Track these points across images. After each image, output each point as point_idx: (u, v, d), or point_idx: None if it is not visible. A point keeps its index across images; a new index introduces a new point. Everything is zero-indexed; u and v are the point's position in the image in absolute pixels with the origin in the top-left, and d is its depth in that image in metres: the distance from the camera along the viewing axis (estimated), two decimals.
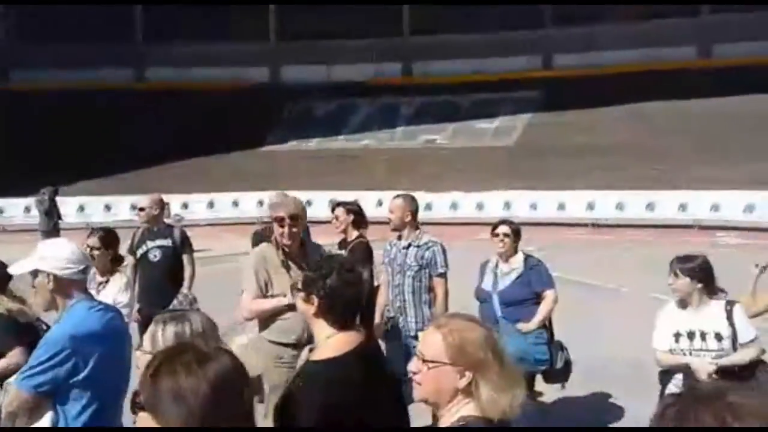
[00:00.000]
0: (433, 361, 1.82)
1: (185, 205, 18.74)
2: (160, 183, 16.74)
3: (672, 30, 24.01)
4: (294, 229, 3.75)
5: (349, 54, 26.08)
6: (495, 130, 24.01)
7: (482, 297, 4.89)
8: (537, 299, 4.78)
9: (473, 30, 25.19)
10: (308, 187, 16.66)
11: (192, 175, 20.93)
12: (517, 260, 4.85)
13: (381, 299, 4.96)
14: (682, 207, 16.77)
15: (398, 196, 5.06)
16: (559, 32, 25.59)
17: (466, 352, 1.80)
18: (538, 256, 5.08)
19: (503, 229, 4.84)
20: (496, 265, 4.87)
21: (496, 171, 20.26)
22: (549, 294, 4.78)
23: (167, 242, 5.81)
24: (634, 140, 20.52)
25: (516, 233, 4.85)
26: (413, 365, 1.87)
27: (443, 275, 4.82)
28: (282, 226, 3.74)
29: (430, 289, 4.80)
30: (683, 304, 3.75)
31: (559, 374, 4.78)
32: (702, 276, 3.70)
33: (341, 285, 2.33)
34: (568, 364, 4.76)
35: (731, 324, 3.62)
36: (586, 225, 17.19)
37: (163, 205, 6.06)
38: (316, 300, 2.34)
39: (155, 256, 5.76)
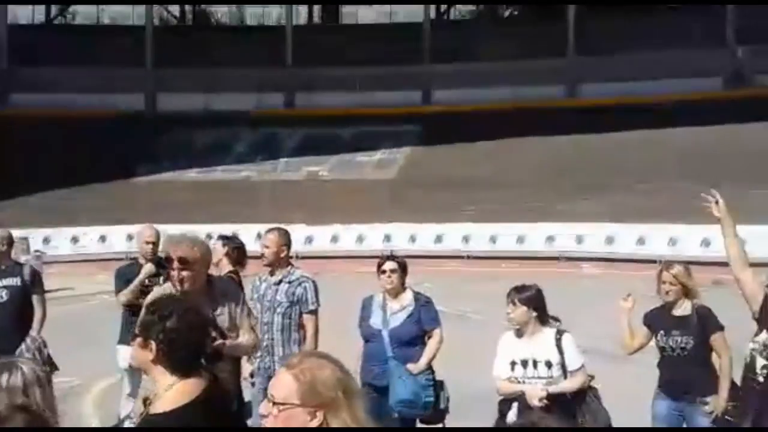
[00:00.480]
0: (283, 403, 1.77)
1: (47, 240, 17.70)
2: (20, 216, 15.78)
3: (542, 70, 25.43)
4: (184, 273, 3.40)
5: (230, 83, 25.80)
6: (377, 162, 24.42)
7: (370, 335, 4.71)
8: (425, 338, 4.71)
9: (355, 63, 25.64)
10: (185, 220, 16.18)
11: (56, 207, 19.83)
12: (407, 297, 4.73)
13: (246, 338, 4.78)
14: (550, 239, 17.67)
15: (272, 229, 4.88)
16: (438, 68, 26.50)
17: (317, 392, 1.76)
18: (426, 293, 5.01)
19: (390, 265, 4.70)
20: (384, 302, 4.70)
21: (377, 204, 20.57)
22: (437, 333, 4.71)
23: (15, 281, 5.42)
24: (506, 175, 21.46)
25: (403, 268, 4.74)
26: (263, 407, 1.81)
27: (314, 312, 4.70)
28: (172, 269, 3.44)
29: (301, 327, 4.67)
30: (519, 332, 3.95)
31: (439, 415, 4.72)
32: (536, 304, 3.92)
33: (183, 328, 2.15)
34: (447, 402, 4.72)
35: (560, 352, 3.83)
36: (462, 257, 17.76)
37: (11, 241, 5.65)
38: (154, 345, 2.15)
39: (1, 296, 5.37)
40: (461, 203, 19.77)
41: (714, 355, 4.22)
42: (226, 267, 5.26)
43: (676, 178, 18.79)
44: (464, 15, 37.88)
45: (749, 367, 3.44)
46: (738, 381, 3.72)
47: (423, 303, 4.75)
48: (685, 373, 4.25)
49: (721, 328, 4.22)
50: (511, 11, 36.37)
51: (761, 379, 3.34)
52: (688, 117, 20.99)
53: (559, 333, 3.91)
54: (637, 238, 16.83)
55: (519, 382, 3.88)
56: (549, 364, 3.85)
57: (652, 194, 18.60)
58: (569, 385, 3.84)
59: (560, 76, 25.94)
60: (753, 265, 3.72)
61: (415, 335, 4.68)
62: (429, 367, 4.68)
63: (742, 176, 17.68)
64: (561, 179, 20.56)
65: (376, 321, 4.71)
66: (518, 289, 3.97)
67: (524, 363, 3.89)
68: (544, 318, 3.94)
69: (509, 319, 3.97)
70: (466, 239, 18.22)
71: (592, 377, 3.97)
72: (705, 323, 4.22)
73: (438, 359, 5.08)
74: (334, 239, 18.69)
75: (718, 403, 4.05)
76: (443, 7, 34.12)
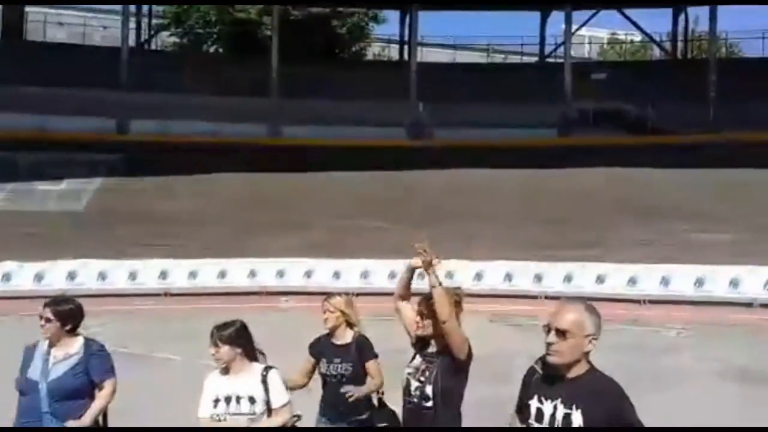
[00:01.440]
0: None
1: None
2: None
3: (245, 108, 25.66)
4: None
5: None
6: (61, 193, 22.28)
7: (26, 388, 4.11)
8: (94, 391, 4.17)
9: (42, 83, 23.34)
10: None
11: None
12: (76, 345, 4.18)
13: None
14: (252, 274, 17.64)
15: None
16: (136, 98, 25.26)
17: None
18: (101, 337, 4.52)
19: (46, 312, 4.10)
20: (48, 351, 4.14)
21: (61, 237, 18.69)
22: (108, 384, 4.18)
23: None
24: (206, 210, 21.07)
25: (66, 315, 4.13)
26: None
27: None
28: None
29: None
30: (226, 370, 3.82)
31: None
32: (241, 341, 3.80)
33: None
34: None
35: (266, 389, 3.75)
36: (161, 295, 16.87)
37: None
38: None
39: None
40: (158, 238, 18.87)
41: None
42: None
43: (362, 216, 20.20)
44: (166, 46, 36.90)
45: (406, 390, 3.74)
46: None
47: (94, 351, 4.21)
48: (343, 397, 4.45)
49: (376, 356, 4.52)
50: (217, 48, 36.35)
51: (416, 399, 3.67)
52: (375, 162, 22.67)
53: (267, 369, 3.82)
54: (333, 272, 17.55)
55: (221, 420, 3.72)
56: (252, 400, 3.74)
57: (347, 231, 19.65)
58: (272, 421, 3.76)
59: (264, 116, 26.42)
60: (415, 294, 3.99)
61: (79, 387, 4.11)
62: (96, 421, 4.12)
63: (418, 218, 19.62)
64: (261, 215, 20.76)
65: (34, 372, 4.14)
66: (220, 327, 3.81)
67: (227, 399, 3.75)
68: (250, 354, 3.83)
69: (215, 360, 3.79)
70: (163, 275, 17.33)
71: (297, 416, 3.92)
72: (362, 351, 4.48)
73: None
74: (6, 278, 16.47)
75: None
76: (144, 36, 32.83)
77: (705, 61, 28.52)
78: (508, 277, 17.55)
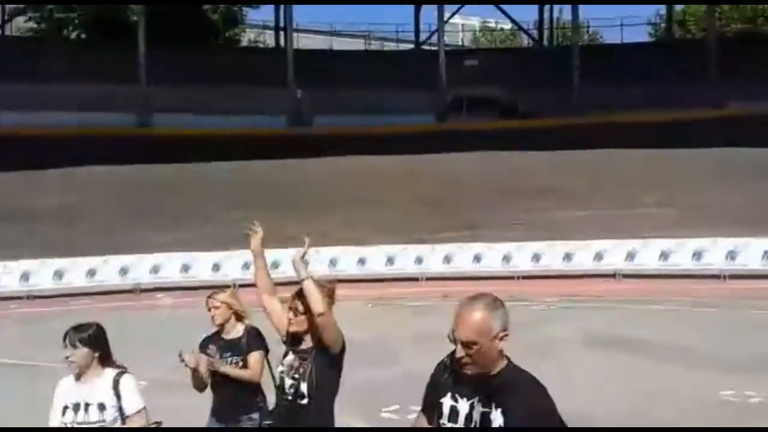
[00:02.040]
0: None
1: None
2: None
3: (112, 96, 24.40)
4: None
5: None
6: None
7: None
8: None
9: None
10: None
11: None
12: None
13: None
14: (123, 271, 16.88)
15: None
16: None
17: None
18: None
19: None
20: None
21: None
22: None
23: None
24: (75, 205, 19.94)
25: None
26: None
27: None
28: None
29: None
30: (78, 375, 3.59)
31: None
32: (98, 344, 3.59)
33: None
34: None
35: (117, 394, 3.56)
36: (23, 298, 15.82)
37: None
38: None
39: None
40: (21, 236, 17.66)
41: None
42: None
43: (241, 207, 19.79)
44: (23, 32, 34.48)
45: (280, 388, 3.68)
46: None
47: None
48: (232, 394, 4.37)
49: (262, 348, 4.41)
50: (79, 33, 34.33)
51: (290, 397, 3.61)
52: (254, 151, 22.23)
53: (119, 374, 3.61)
54: (212, 264, 17.12)
55: (69, 427, 3.52)
56: (102, 407, 3.52)
57: (226, 222, 19.17)
58: (127, 428, 3.57)
59: (132, 104, 25.24)
60: (281, 284, 3.91)
61: None
62: None
63: (300, 206, 19.51)
64: (134, 209, 19.88)
65: None
66: (77, 329, 3.56)
67: (76, 407, 3.52)
68: (106, 358, 3.61)
69: (69, 363, 3.55)
70: (25, 276, 16.26)
71: (158, 423, 3.73)
72: (249, 342, 4.40)
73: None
74: None
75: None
76: None
77: (569, 48, 29.95)
78: (390, 260, 17.78)
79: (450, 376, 2.56)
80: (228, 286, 4.76)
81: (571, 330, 11.28)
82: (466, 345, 2.43)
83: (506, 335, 2.48)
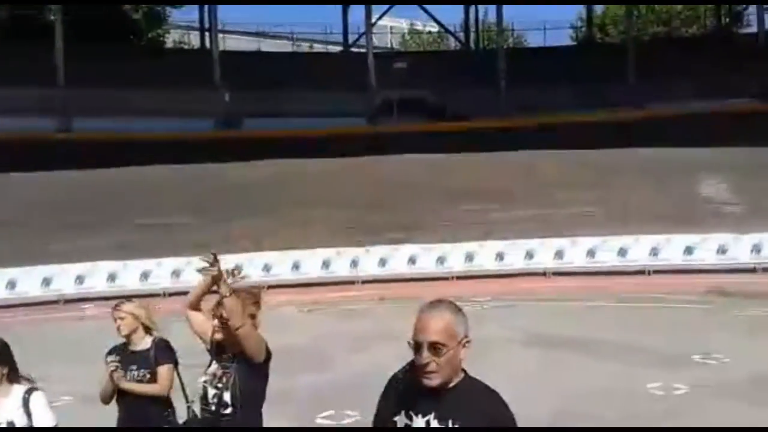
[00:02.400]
0: None
1: None
2: None
3: (29, 99, 23.40)
4: None
5: None
6: None
7: None
8: None
9: None
10: None
11: None
12: None
13: None
14: (46, 282, 16.21)
15: None
16: None
17: None
18: None
19: None
20: None
21: None
22: None
23: None
24: None
25: None
26: None
27: None
28: None
29: None
30: None
31: None
32: (6, 361, 3.43)
33: None
34: None
35: (27, 412, 3.41)
36: None
37: None
38: None
39: None
40: None
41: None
42: None
43: (168, 213, 19.33)
44: None
45: (203, 399, 3.62)
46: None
47: None
48: (140, 408, 4.22)
49: (171, 361, 4.31)
50: None
51: (213, 407, 3.56)
52: (180, 155, 21.68)
53: (29, 391, 3.45)
54: (141, 273, 16.63)
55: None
56: (12, 425, 3.37)
57: (153, 229, 18.65)
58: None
59: (51, 108, 24.26)
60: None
61: None
62: None
63: (235, 211, 19.25)
64: (57, 217, 19.10)
65: None
66: None
67: None
68: (13, 375, 3.44)
69: None
70: None
71: None
72: (157, 355, 4.28)
73: None
74: None
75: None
76: None
77: (495, 50, 30.47)
78: (325, 264, 17.67)
79: (405, 390, 2.42)
80: (129, 299, 4.56)
81: (503, 328, 11.46)
82: (435, 349, 2.30)
83: (468, 342, 2.39)
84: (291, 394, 7.22)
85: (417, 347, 2.32)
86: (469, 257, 17.81)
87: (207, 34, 30.68)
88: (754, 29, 31.20)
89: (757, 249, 17.01)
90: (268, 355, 3.59)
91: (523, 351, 10.23)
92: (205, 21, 30.96)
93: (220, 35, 29.13)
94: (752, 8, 32.20)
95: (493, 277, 17.15)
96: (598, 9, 37.66)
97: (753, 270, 16.73)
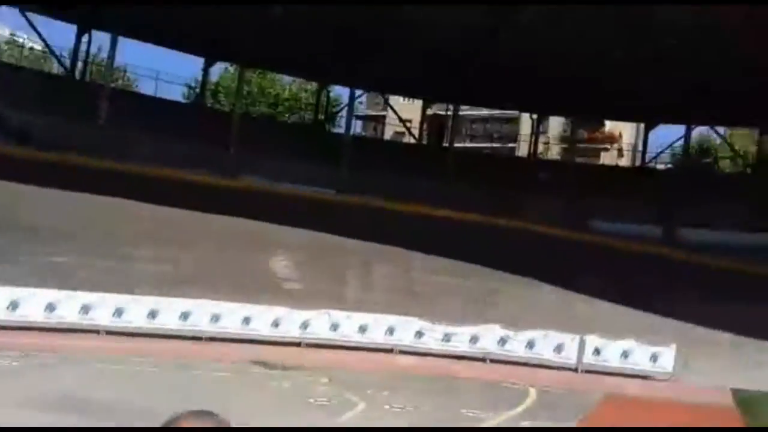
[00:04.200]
0: None
1: None
2: None
3: None
4: None
5: None
6: None
7: None
8: None
9: None
10: None
11: None
12: None
13: None
14: None
15: None
16: None
17: None
18: None
19: None
20: None
21: None
22: None
23: None
24: None
25: None
26: None
27: None
28: None
29: None
30: None
31: None
32: None
33: None
34: None
35: None
36: None
37: None
38: None
39: None
40: None
41: None
42: None
43: None
44: None
45: None
46: None
47: None
48: None
49: None
50: None
51: None
52: None
53: None
54: None
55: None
56: None
57: None
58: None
59: None
60: None
61: None
62: None
63: None
64: None
65: None
66: None
67: None
68: None
69: None
70: None
71: None
72: None
73: None
74: None
75: None
76: None
77: (102, 86, 28.84)
78: None
79: None
80: None
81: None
82: None
83: None
84: None
85: None
86: (13, 305, 15.89)
87: None
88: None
89: (304, 325, 18.50)
90: None
91: (40, 417, 9.18)
92: None
93: None
94: (344, 112, 36.12)
95: (39, 330, 15.56)
96: (215, 74, 38.66)
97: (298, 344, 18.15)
